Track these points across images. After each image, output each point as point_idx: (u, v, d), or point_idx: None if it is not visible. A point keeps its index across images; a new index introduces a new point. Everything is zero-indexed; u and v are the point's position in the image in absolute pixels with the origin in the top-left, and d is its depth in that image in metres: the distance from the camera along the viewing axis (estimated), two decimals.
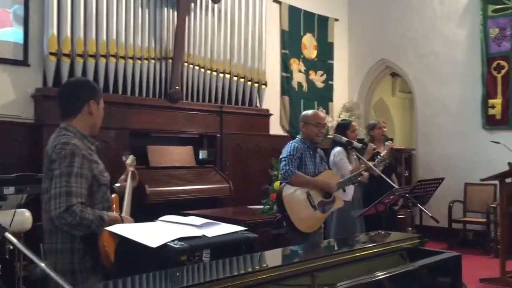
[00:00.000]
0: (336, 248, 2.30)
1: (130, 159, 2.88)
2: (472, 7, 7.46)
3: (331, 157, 4.68)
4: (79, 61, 5.27)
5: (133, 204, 2.67)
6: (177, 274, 1.63)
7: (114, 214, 2.35)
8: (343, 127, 4.95)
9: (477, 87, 7.38)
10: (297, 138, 3.97)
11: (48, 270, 1.67)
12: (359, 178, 4.25)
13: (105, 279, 2.18)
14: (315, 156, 3.96)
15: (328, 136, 6.25)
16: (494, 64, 7.26)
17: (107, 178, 2.40)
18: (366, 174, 4.29)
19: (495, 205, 6.67)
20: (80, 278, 2.23)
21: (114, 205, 2.48)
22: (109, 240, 2.16)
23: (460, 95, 7.60)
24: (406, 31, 8.16)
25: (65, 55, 5.17)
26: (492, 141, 6.68)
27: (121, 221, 2.29)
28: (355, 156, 4.71)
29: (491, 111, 7.29)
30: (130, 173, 2.70)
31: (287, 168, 3.72)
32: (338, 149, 4.70)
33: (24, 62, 5.14)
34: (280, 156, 3.89)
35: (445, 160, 7.64)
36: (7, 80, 5.06)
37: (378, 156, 4.42)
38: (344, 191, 4.22)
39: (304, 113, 4.09)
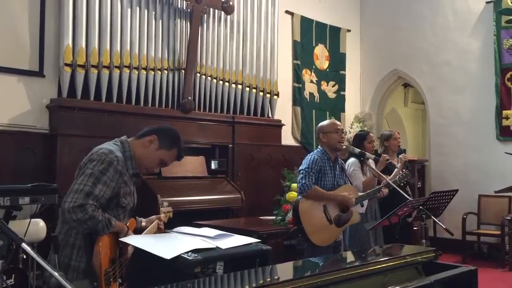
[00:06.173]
0: (350, 261, 2.28)
1: (165, 209, 2.80)
2: (485, 18, 7.42)
3: (345, 168, 4.66)
4: (94, 72, 5.32)
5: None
6: (190, 286, 1.62)
7: (122, 223, 2.36)
8: (360, 137, 4.95)
9: (491, 97, 7.31)
10: (317, 150, 3.92)
11: (62, 281, 1.68)
12: (378, 194, 4.25)
13: (91, 286, 2.15)
14: (335, 167, 3.92)
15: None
16: (508, 75, 7.19)
17: (127, 202, 2.42)
18: (386, 190, 4.29)
19: (509, 218, 6.58)
20: (71, 276, 2.24)
21: (128, 223, 2.47)
22: (106, 245, 2.17)
23: (474, 106, 7.53)
24: (419, 42, 8.13)
25: (80, 66, 5.23)
26: (506, 153, 6.60)
27: (127, 232, 2.33)
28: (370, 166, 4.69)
29: (505, 122, 7.22)
30: (156, 224, 2.65)
31: (304, 181, 3.70)
32: (352, 160, 4.69)
33: (39, 73, 5.21)
34: (299, 168, 3.88)
35: (458, 171, 7.56)
36: (23, 90, 5.13)
37: (401, 172, 4.43)
38: (362, 205, 4.15)
39: (320, 124, 4.05)
